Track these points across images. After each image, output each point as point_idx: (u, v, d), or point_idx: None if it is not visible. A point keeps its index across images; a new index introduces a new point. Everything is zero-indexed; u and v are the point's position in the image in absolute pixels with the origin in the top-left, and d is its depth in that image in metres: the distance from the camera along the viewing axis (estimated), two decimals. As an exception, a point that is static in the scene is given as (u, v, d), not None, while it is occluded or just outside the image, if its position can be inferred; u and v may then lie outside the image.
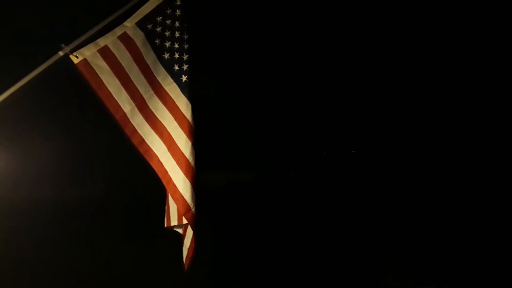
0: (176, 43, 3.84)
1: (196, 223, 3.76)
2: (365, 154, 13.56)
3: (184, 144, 3.76)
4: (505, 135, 11.95)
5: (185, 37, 3.85)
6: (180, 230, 3.97)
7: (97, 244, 8.42)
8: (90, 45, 3.60)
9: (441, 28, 11.56)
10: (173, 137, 3.78)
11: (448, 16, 11.38)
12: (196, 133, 3.85)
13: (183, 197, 3.72)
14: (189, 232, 3.81)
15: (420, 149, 12.73)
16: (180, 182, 3.74)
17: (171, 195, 3.80)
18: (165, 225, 3.98)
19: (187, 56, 3.84)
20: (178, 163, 3.75)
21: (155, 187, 3.99)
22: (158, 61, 3.80)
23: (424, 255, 8.30)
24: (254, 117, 11.96)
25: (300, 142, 13.09)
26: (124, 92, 3.67)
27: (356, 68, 12.24)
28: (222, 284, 7.07)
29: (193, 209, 3.73)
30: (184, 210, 3.73)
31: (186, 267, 3.86)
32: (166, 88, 3.81)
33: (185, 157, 3.75)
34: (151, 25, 3.76)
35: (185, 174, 3.73)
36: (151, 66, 3.77)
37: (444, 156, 12.41)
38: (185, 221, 3.78)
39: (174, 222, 3.88)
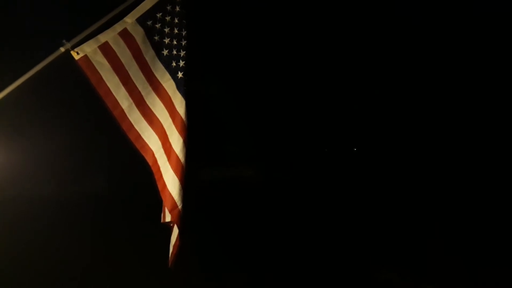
0: (175, 39, 3.83)
1: (181, 220, 3.73)
2: (366, 151, 13.55)
3: (175, 140, 3.75)
4: (505, 134, 11.95)
5: (183, 33, 3.84)
6: None
7: (98, 241, 8.43)
8: (91, 41, 3.61)
9: (440, 25, 11.58)
10: (167, 133, 3.78)
11: (448, 14, 11.39)
12: (196, 130, 3.85)
13: (170, 194, 3.71)
14: (175, 229, 3.77)
15: (421, 146, 12.72)
16: (169, 178, 3.73)
17: (160, 191, 3.78)
18: (161, 221, 3.96)
19: (184, 52, 3.83)
20: (169, 159, 3.75)
21: (155, 184, 3.96)
22: (157, 58, 3.80)
23: (425, 253, 8.30)
24: (254, 114, 11.96)
25: (301, 140, 13.08)
26: (122, 88, 3.69)
27: (356, 65, 12.24)
28: (219, 281, 7.09)
29: (179, 207, 3.72)
30: (170, 207, 3.71)
31: (170, 264, 3.82)
32: (164, 85, 3.82)
33: (176, 153, 3.73)
34: (151, 21, 3.76)
35: (175, 171, 3.72)
36: (150, 63, 3.77)
37: (445, 154, 12.41)
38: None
39: (168, 218, 3.86)
